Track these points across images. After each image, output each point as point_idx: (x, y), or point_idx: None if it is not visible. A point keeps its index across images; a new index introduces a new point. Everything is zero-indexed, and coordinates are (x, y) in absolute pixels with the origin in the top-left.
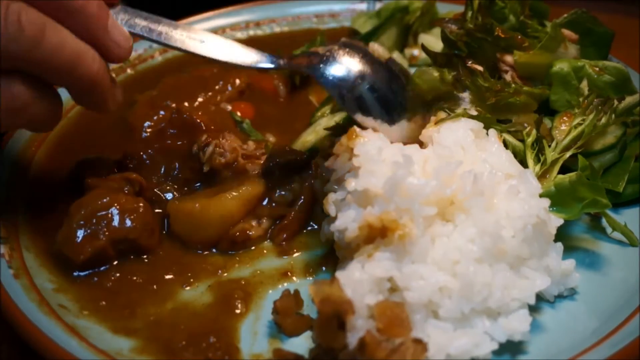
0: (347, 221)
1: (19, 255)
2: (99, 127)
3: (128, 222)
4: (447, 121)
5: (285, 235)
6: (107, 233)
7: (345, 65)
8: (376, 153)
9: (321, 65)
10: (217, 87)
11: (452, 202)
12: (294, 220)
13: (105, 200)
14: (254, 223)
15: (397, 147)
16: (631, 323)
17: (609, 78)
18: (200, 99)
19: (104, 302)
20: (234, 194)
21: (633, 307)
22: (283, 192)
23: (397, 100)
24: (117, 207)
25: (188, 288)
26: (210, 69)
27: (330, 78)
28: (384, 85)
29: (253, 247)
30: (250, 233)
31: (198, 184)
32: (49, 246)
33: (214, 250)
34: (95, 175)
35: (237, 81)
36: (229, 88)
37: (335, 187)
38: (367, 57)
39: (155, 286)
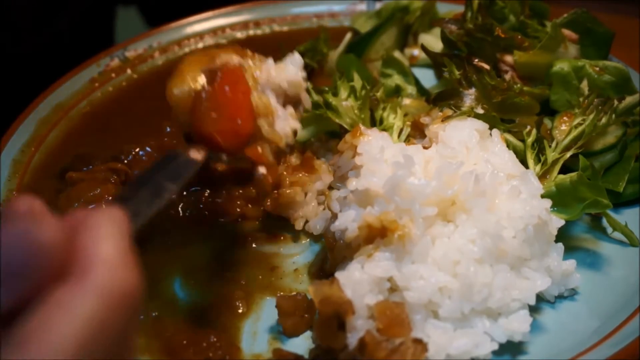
0: (347, 221)
1: None
2: (98, 127)
3: None
4: (454, 119)
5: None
6: None
7: None
8: (378, 152)
9: None
10: None
11: (454, 203)
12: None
13: (97, 191)
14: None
15: (399, 147)
16: (632, 323)
17: (609, 78)
18: None
19: None
20: None
21: (633, 307)
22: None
23: None
24: (110, 198)
25: (189, 287)
26: None
27: None
28: None
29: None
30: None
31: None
32: None
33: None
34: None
35: None
36: None
37: (339, 184)
38: None
39: (155, 285)
